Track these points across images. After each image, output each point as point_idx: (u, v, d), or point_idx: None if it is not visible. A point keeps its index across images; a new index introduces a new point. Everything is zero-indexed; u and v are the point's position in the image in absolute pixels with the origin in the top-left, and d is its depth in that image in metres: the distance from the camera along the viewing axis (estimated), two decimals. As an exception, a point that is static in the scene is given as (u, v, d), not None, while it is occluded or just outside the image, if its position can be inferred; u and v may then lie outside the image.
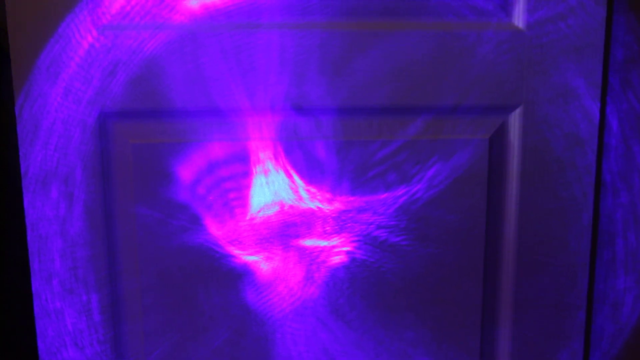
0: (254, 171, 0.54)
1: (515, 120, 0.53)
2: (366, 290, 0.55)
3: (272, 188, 0.54)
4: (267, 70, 0.52)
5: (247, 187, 0.54)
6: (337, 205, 0.54)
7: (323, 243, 0.55)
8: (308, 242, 0.55)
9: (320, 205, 0.54)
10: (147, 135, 0.52)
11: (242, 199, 0.54)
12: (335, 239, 0.55)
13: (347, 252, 0.55)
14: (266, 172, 0.54)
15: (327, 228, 0.54)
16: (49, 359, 0.54)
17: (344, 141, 0.53)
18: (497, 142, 0.54)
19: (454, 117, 0.53)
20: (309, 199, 0.54)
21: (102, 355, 0.54)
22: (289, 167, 0.54)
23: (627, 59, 0.52)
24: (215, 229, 0.54)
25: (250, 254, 0.55)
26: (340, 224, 0.55)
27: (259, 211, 0.54)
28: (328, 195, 0.54)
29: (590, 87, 0.53)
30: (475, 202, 0.54)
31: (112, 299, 0.53)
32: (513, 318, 0.56)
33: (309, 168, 0.54)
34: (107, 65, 0.50)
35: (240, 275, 0.55)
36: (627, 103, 0.54)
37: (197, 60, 0.51)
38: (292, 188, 0.54)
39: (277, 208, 0.54)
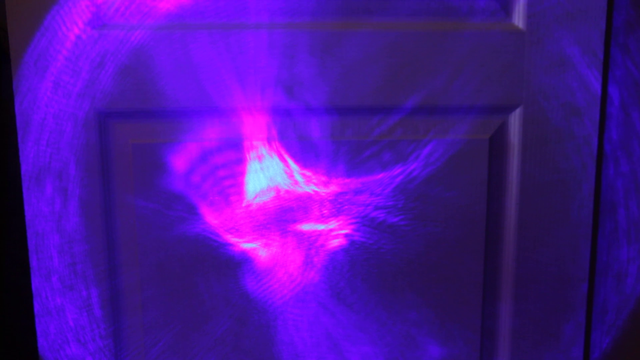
0: (248, 157, 0.53)
1: (514, 118, 0.52)
2: (366, 272, 0.55)
3: (267, 174, 0.53)
4: (256, 53, 0.51)
5: (242, 173, 0.53)
6: (333, 188, 0.54)
7: (321, 227, 0.54)
8: (306, 227, 0.54)
9: (316, 189, 0.54)
10: (142, 128, 0.51)
11: (237, 186, 0.53)
12: (333, 222, 0.54)
13: (346, 235, 0.54)
14: (260, 158, 0.53)
15: (324, 211, 0.54)
16: (52, 357, 0.54)
17: (339, 122, 0.52)
18: (497, 137, 0.53)
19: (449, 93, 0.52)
20: (304, 182, 0.54)
21: (105, 349, 0.54)
22: (283, 152, 0.53)
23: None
24: (212, 218, 0.53)
25: (248, 242, 0.54)
26: (337, 206, 0.54)
27: (254, 197, 0.54)
28: (324, 178, 0.54)
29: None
30: (475, 178, 0.54)
31: (113, 292, 0.53)
32: (517, 293, 0.56)
33: (303, 151, 0.53)
34: (95, 57, 0.50)
35: (239, 263, 0.54)
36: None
37: (185, 47, 0.50)
38: (287, 172, 0.53)
39: (272, 194, 0.53)
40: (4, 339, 0.62)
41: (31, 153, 0.51)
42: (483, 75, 0.52)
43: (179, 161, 0.52)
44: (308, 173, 0.53)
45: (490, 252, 0.55)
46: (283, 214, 0.54)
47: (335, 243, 0.54)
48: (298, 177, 0.53)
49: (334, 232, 0.54)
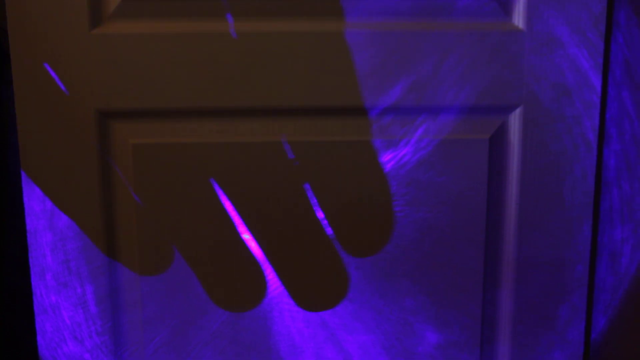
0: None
1: (514, 119, 0.52)
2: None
3: (258, 164, 0.53)
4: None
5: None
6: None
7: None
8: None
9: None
10: (141, 127, 0.51)
11: (229, 178, 0.53)
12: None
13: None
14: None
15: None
16: (50, 355, 0.54)
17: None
18: (497, 135, 0.53)
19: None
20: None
21: (102, 346, 0.54)
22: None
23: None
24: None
25: (242, 231, 0.54)
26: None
27: (246, 189, 0.53)
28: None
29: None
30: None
31: (108, 289, 0.53)
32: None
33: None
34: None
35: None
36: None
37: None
38: (278, 162, 0.53)
39: (264, 184, 0.53)
40: (4, 339, 0.62)
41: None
42: (473, 57, 0.52)
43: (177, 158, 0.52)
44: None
45: (487, 238, 0.55)
46: (275, 205, 0.54)
47: (328, 231, 0.54)
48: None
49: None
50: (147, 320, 0.54)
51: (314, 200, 0.51)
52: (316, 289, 0.54)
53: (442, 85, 0.52)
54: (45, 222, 0.52)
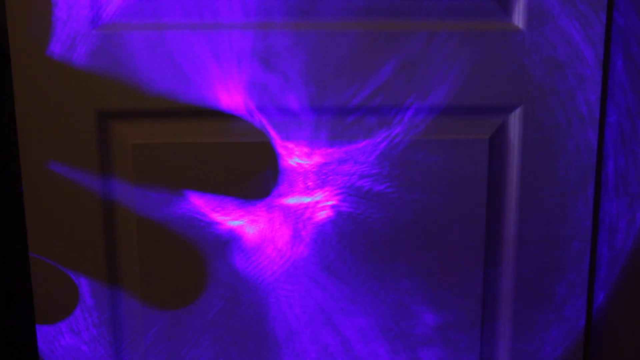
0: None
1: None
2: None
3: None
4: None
5: (224, 150, 0.52)
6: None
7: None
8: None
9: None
10: (140, 127, 0.50)
11: (220, 164, 0.52)
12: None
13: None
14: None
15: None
16: (47, 348, 0.53)
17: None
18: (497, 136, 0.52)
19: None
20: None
21: (100, 338, 0.54)
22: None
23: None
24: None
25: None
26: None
27: (238, 174, 0.53)
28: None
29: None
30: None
31: (104, 281, 0.53)
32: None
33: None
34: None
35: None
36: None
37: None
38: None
39: (256, 169, 0.53)
40: (4, 337, 0.62)
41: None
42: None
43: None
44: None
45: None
46: (268, 190, 0.53)
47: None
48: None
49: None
50: (143, 310, 0.54)
51: None
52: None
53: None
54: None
